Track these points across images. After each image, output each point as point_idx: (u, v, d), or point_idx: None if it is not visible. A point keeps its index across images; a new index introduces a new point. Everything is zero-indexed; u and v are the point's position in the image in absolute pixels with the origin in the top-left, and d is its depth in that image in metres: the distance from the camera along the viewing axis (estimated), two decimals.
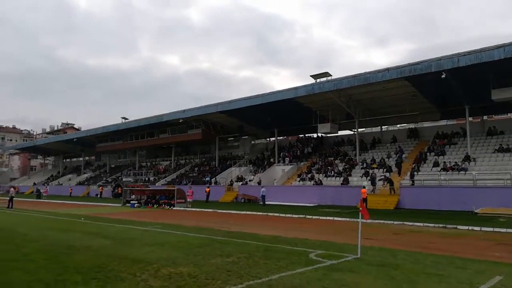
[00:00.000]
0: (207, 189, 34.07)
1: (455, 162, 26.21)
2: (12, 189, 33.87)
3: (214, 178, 39.87)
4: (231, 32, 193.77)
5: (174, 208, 27.48)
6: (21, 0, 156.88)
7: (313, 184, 31.15)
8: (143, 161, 57.32)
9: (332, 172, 31.95)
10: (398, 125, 39.60)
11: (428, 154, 29.28)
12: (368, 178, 28.25)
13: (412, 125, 36.42)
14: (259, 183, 34.24)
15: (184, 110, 39.62)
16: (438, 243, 11.43)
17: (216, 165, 44.24)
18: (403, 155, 30.46)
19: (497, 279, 6.60)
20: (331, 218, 19.09)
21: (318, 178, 31.54)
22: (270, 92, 32.52)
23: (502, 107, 28.59)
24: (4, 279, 6.66)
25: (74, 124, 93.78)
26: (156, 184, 43.38)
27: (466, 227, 14.77)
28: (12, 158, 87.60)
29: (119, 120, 50.77)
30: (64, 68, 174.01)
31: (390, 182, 26.35)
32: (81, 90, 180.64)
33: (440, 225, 15.38)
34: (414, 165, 27.92)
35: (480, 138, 29.00)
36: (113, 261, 8.07)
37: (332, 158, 34.87)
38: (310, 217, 19.76)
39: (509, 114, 36.14)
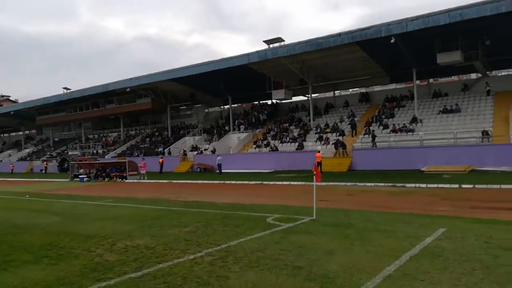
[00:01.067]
0: (161, 160, 33.39)
1: (404, 124, 27.51)
2: None
3: (167, 149, 39.07)
4: None
5: (126, 180, 26.73)
6: None
7: (269, 151, 31.51)
8: (89, 134, 54.78)
9: (287, 138, 32.43)
10: (350, 90, 40.63)
11: (378, 117, 30.44)
12: (323, 142, 29.02)
13: (363, 90, 37.49)
14: (213, 151, 34.07)
15: (131, 78, 37.84)
16: (388, 201, 12.05)
17: (169, 135, 43.29)
18: (355, 119, 31.47)
19: (441, 231, 7.05)
20: (287, 182, 19.50)
21: (274, 145, 31.92)
22: (222, 58, 31.80)
23: (446, 70, 30.12)
24: None
25: (9, 96, 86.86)
26: (105, 157, 41.81)
27: (414, 185, 15.69)
28: None
29: (61, 91, 47.67)
30: None
31: (343, 146, 27.19)
32: (17, 59, 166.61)
33: (390, 184, 16.23)
34: (366, 128, 28.85)
35: (427, 101, 30.54)
36: (64, 238, 7.69)
37: (287, 124, 35.31)
38: (267, 182, 20.07)
39: (453, 77, 38.28)
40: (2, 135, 69.63)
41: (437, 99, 30.21)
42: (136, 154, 39.97)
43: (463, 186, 14.83)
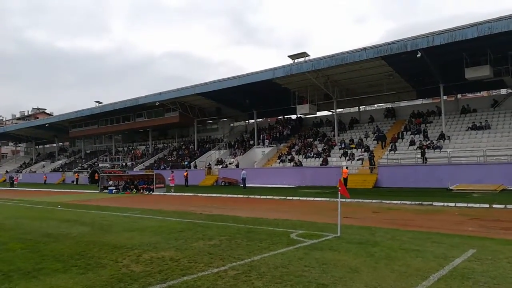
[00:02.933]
0: (185, 173, 33.87)
1: (431, 140, 26.88)
2: None
3: (193, 162, 39.62)
4: (206, 12, 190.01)
5: (153, 193, 27.22)
6: None
7: (293, 166, 31.42)
8: (119, 146, 56.29)
9: (312, 153, 32.27)
10: (375, 105, 40.20)
11: (404, 133, 29.89)
12: (347, 158, 28.71)
13: (389, 105, 37.03)
14: (237, 165, 34.29)
15: (160, 93, 38.90)
16: (415, 219, 11.76)
17: (195, 149, 43.92)
18: (381, 135, 31.00)
19: (471, 252, 6.84)
20: (311, 198, 19.35)
21: (298, 159, 31.82)
22: (247, 73, 32.26)
23: (475, 86, 29.36)
24: None
25: (45, 109, 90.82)
26: (134, 169, 42.80)
27: (442, 204, 15.24)
28: None
29: (93, 104, 49.50)
30: (34, 50, 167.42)
31: (371, 156, 26.72)
32: (52, 73, 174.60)
33: (417, 202, 15.82)
34: (392, 144, 28.45)
35: (454, 117, 29.78)
36: (93, 248, 7.93)
37: (311, 139, 35.18)
38: (291, 198, 19.97)
39: (481, 92, 37.24)
40: (37, 146, 72.33)
41: (466, 115, 29.41)
42: (163, 167, 40.73)
43: (494, 206, 14.29)
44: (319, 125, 38.14)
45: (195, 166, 38.71)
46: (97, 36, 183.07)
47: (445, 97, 29.17)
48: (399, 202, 16.31)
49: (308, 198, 19.47)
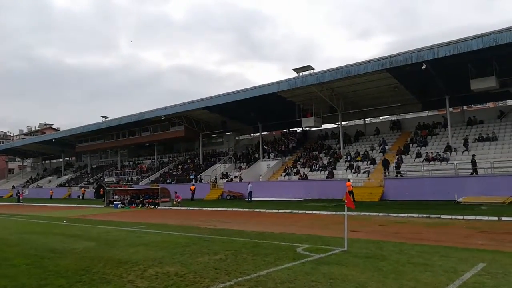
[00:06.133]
0: (192, 187, 33.84)
1: (437, 152, 26.70)
2: None
3: (199, 176, 39.61)
4: (212, 27, 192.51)
5: (159, 207, 27.17)
6: None
7: (299, 179, 31.29)
8: (125, 161, 56.50)
9: (317, 166, 32.15)
10: (381, 117, 40.12)
11: (410, 145, 29.74)
12: (353, 170, 28.53)
13: (394, 117, 36.93)
14: (241, 179, 34.22)
15: (166, 107, 39.16)
16: (422, 233, 11.59)
17: (201, 163, 43.96)
18: (386, 147, 30.87)
19: (481, 266, 6.71)
20: (317, 212, 19.20)
21: (304, 173, 31.70)
22: (252, 87, 32.44)
23: (481, 97, 29.24)
24: None
25: (52, 124, 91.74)
26: (140, 183, 42.84)
27: (449, 217, 15.03)
28: None
29: (99, 119, 49.86)
30: (42, 67, 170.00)
31: (386, 165, 26.52)
32: (60, 89, 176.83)
33: (424, 215, 15.62)
34: (398, 156, 28.27)
35: (461, 128, 29.61)
36: (98, 263, 7.89)
37: (317, 152, 35.09)
38: (297, 211, 19.83)
39: (488, 103, 37.07)
40: (44, 161, 72.79)
41: (472, 126, 29.22)
42: (169, 181, 40.72)
43: (503, 218, 14.06)
44: (324, 138, 38.08)
45: (201, 180, 38.68)
46: (105, 53, 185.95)
47: (451, 109, 29.05)
48: (406, 215, 16.12)
49: (314, 212, 19.32)
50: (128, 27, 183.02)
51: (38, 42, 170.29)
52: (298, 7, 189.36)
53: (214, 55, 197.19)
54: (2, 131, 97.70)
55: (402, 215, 16.20)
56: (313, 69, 30.29)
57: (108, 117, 49.08)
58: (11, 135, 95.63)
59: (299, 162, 34.34)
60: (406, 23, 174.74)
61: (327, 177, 29.77)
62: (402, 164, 26.97)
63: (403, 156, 28.22)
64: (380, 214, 16.89)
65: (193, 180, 38.48)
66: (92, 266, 7.68)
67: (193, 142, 48.35)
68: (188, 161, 46.81)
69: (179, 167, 46.01)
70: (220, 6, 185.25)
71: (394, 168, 26.44)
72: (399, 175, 25.98)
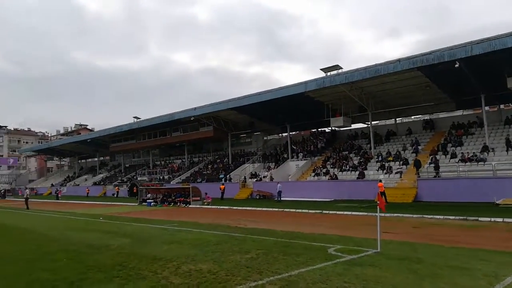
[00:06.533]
0: (222, 186, 34.20)
1: (473, 152, 25.71)
2: (27, 190, 34.71)
3: (228, 175, 39.96)
4: (238, 28, 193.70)
5: (189, 206, 27.64)
6: (34, 5, 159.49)
7: (328, 179, 30.96)
8: (157, 160, 57.81)
9: (347, 166, 31.71)
10: (412, 117, 39.02)
11: (445, 145, 28.79)
12: (385, 171, 27.92)
13: (427, 116, 35.82)
14: (271, 179, 34.21)
15: (195, 108, 39.76)
16: (459, 235, 11.23)
17: (229, 162, 44.34)
18: (419, 147, 30.03)
19: None
20: (348, 212, 18.94)
21: (333, 173, 31.34)
22: (279, 87, 32.39)
23: None
24: (30, 279, 6.78)
25: (87, 125, 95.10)
26: (171, 182, 43.71)
27: (488, 219, 14.45)
28: (29, 160, 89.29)
29: (131, 120, 51.25)
30: (76, 70, 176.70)
31: (417, 165, 25.86)
32: (93, 91, 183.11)
33: (461, 217, 15.08)
34: (432, 156, 27.43)
35: (498, 128, 28.38)
36: (133, 259, 8.13)
37: (347, 152, 34.60)
38: (327, 212, 19.65)
39: None
40: (79, 161, 75.62)
41: (510, 126, 27.91)
42: (199, 180, 41.33)
43: None
44: (354, 138, 37.49)
45: (230, 180, 39.01)
46: (135, 55, 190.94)
47: (487, 108, 27.87)
48: (441, 217, 15.62)
49: (344, 212, 19.08)
50: (157, 29, 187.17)
51: (72, 46, 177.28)
52: (323, 6, 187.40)
53: (240, 56, 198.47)
54: (40, 132, 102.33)
55: (438, 217, 15.71)
56: (341, 68, 29.87)
57: (139, 118, 50.36)
58: (49, 135, 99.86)
59: (328, 162, 33.98)
60: (436, 20, 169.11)
61: (357, 178, 29.30)
62: (433, 166, 26.13)
63: (437, 157, 27.33)
64: (414, 215, 16.45)
65: (223, 179, 38.87)
66: (128, 262, 7.92)
67: (222, 142, 48.86)
68: (217, 160, 47.32)
69: (209, 166, 46.60)
70: (245, 7, 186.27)
71: (433, 169, 25.53)
72: (437, 175, 25.16)
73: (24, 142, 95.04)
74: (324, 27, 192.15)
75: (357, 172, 29.87)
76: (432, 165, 26.03)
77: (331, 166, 33.03)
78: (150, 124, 46.26)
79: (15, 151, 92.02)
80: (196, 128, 45.24)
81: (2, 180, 76.62)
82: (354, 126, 37.11)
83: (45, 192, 63.35)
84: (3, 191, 59.38)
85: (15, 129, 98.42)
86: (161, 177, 48.43)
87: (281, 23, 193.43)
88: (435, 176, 25.14)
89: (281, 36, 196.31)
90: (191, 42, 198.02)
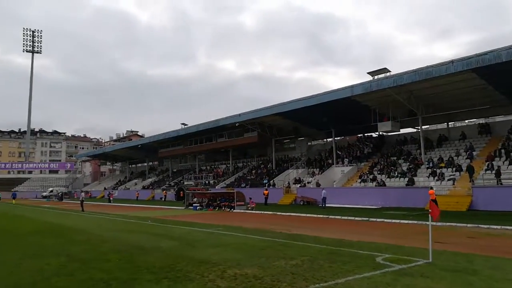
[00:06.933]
0: (265, 192, 34.26)
1: None
2: (82, 193, 36.83)
3: (272, 181, 40.00)
4: (283, 33, 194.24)
5: (234, 210, 27.96)
6: (89, 18, 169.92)
7: (376, 186, 30.05)
8: (202, 165, 59.16)
9: (396, 172, 30.61)
10: (466, 121, 37.03)
11: (503, 150, 26.96)
12: (436, 178, 26.61)
13: (482, 120, 33.77)
14: (318, 185, 33.75)
15: (239, 114, 40.30)
16: None
17: (273, 168, 44.37)
18: (474, 153, 28.35)
19: None
20: (397, 220, 18.25)
21: (381, 179, 30.37)
22: (325, 92, 32.00)
23: None
24: (85, 277, 7.19)
25: (138, 132, 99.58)
26: (216, 187, 44.47)
27: None
28: (84, 165, 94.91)
29: (179, 126, 52.97)
30: (127, 79, 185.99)
31: (470, 172, 24.61)
32: (143, 99, 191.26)
33: None
34: (489, 163, 25.76)
35: None
36: (181, 262, 8.36)
37: (395, 158, 33.42)
38: (374, 219, 19.06)
39: None
40: (130, 165, 79.19)
41: None
42: (243, 185, 41.73)
43: None
44: (403, 143, 36.12)
45: (274, 185, 39.01)
46: (183, 64, 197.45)
47: None
48: (499, 227, 14.62)
49: (393, 220, 18.40)
50: (205, 38, 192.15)
51: (123, 56, 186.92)
52: (370, 8, 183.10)
53: (285, 62, 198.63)
54: (95, 138, 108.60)
55: (495, 226, 14.73)
56: (389, 71, 29.01)
57: (186, 124, 51.96)
58: (103, 141, 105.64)
59: (375, 168, 32.99)
60: (490, 19, 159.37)
61: (407, 184, 28.16)
62: (494, 172, 24.52)
63: (493, 163, 25.64)
64: (469, 225, 15.53)
65: (266, 184, 38.96)
66: (176, 264, 8.15)
67: (265, 148, 49.06)
68: (261, 166, 47.53)
69: (253, 171, 46.94)
70: (291, 12, 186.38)
71: (495, 176, 23.98)
72: (498, 183, 23.59)
73: (80, 148, 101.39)
74: (371, 28, 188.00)
75: (406, 179, 28.72)
76: (489, 171, 24.47)
77: (379, 172, 32.03)
78: (196, 130, 47.56)
79: (72, 156, 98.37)
80: (241, 134, 45.80)
81: (59, 184, 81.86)
82: (403, 131, 35.89)
83: (98, 195, 66.89)
84: (60, 194, 63.35)
85: (72, 136, 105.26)
86: (207, 182, 49.45)
87: (326, 27, 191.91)
88: (497, 184, 23.56)
89: (326, 40, 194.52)
90: (237, 49, 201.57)
